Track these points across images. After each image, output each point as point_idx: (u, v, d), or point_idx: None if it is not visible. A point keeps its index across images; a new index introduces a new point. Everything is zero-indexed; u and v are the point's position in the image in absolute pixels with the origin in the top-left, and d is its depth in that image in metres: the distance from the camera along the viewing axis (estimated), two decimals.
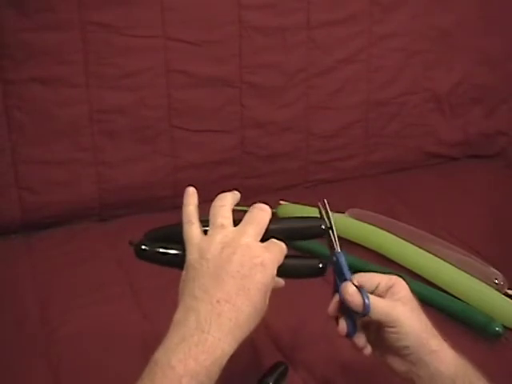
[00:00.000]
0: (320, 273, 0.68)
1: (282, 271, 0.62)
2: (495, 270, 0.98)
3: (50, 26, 1.09)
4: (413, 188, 1.36)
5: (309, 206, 1.19)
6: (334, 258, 0.66)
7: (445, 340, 0.64)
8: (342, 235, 1.11)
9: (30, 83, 1.11)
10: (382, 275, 0.66)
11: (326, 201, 0.68)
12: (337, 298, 0.65)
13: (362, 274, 0.66)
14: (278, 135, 1.31)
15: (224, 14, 1.20)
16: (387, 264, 1.04)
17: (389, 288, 0.65)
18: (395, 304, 0.63)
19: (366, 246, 1.10)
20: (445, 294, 0.96)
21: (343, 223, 1.14)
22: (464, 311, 0.91)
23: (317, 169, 1.37)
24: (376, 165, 1.42)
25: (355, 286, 0.63)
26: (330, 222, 0.68)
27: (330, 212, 0.68)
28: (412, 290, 0.95)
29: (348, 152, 1.39)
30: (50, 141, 1.15)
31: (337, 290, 0.65)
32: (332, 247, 0.67)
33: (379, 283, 0.65)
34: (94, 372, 0.83)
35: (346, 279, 0.64)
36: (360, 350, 0.65)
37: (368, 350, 0.65)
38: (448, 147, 1.48)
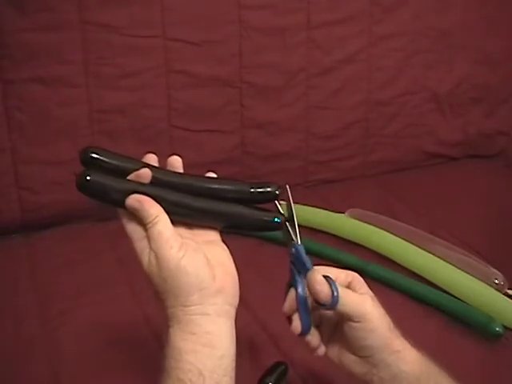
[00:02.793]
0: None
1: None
2: (495, 270, 0.98)
3: (50, 26, 1.09)
4: (413, 188, 1.36)
5: (309, 206, 1.19)
6: (293, 250, 0.63)
7: (407, 340, 0.61)
8: (342, 235, 1.13)
9: (30, 83, 1.11)
10: (340, 270, 0.62)
11: (288, 187, 0.65)
12: (293, 293, 0.62)
13: (320, 267, 0.62)
14: (278, 135, 1.31)
15: (224, 14, 1.20)
16: (387, 264, 1.04)
17: (348, 283, 0.61)
18: (364, 297, 0.60)
19: (366, 245, 1.09)
20: (445, 294, 0.95)
21: (343, 223, 1.14)
22: (464, 311, 0.91)
23: (317, 169, 1.37)
24: (376, 165, 1.42)
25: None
26: (292, 213, 0.64)
27: (291, 200, 0.65)
28: (412, 290, 0.96)
29: (348, 152, 1.39)
30: (50, 141, 1.15)
31: (293, 284, 0.62)
32: (290, 238, 0.63)
33: (337, 277, 0.61)
34: (94, 372, 0.83)
35: (307, 270, 0.60)
36: (314, 349, 0.62)
37: (322, 350, 0.62)
38: (448, 147, 1.48)
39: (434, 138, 1.46)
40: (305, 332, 0.61)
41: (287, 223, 0.64)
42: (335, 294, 0.57)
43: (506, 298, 0.93)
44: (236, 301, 0.59)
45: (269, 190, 0.64)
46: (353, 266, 0.98)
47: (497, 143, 1.53)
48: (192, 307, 0.55)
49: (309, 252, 1.02)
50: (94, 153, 0.61)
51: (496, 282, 0.96)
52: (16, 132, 1.13)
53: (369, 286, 0.63)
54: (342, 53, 1.31)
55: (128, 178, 0.60)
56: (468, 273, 0.98)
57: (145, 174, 0.60)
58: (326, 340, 0.63)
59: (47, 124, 1.14)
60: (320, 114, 1.34)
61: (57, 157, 1.16)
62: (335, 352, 0.63)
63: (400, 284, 0.97)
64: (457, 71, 1.43)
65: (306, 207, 1.19)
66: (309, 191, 1.36)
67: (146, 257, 0.57)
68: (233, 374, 0.55)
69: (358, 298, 0.59)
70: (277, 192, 0.64)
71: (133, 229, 0.58)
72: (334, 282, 0.59)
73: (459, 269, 0.99)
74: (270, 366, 0.80)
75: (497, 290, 0.95)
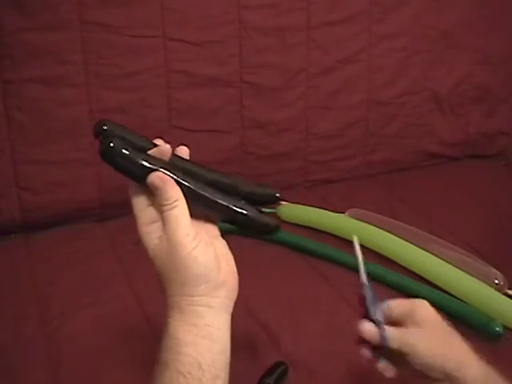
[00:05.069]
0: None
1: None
2: (495, 270, 0.98)
3: (50, 26, 1.09)
4: (413, 188, 1.36)
5: (309, 206, 1.19)
6: (363, 291, 0.66)
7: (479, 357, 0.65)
8: (342, 235, 1.13)
9: (30, 83, 1.11)
10: (409, 300, 0.67)
11: (355, 239, 0.68)
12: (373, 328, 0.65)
13: (393, 301, 0.66)
14: (277, 135, 1.31)
15: (224, 14, 1.20)
16: (387, 264, 1.04)
17: (411, 311, 0.66)
18: (407, 332, 0.64)
19: (366, 245, 1.09)
20: (445, 294, 0.95)
21: (343, 223, 1.14)
22: (464, 311, 0.91)
23: (317, 169, 1.37)
24: (376, 165, 1.42)
25: (372, 321, 0.64)
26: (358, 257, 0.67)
27: (360, 253, 0.68)
28: (412, 290, 0.96)
29: (348, 152, 1.39)
30: (50, 141, 1.15)
31: (372, 319, 0.65)
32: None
33: (403, 308, 0.66)
34: (94, 372, 0.83)
35: (369, 313, 0.65)
36: (383, 372, 0.65)
37: (391, 372, 0.65)
38: (448, 147, 1.48)
39: (434, 137, 1.46)
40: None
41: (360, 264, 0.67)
42: (384, 336, 0.62)
43: (506, 297, 0.93)
44: (235, 295, 0.58)
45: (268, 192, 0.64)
46: (353, 266, 0.99)
47: (497, 143, 1.53)
48: (197, 298, 0.55)
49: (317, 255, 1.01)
50: (105, 125, 0.58)
51: (496, 282, 0.96)
52: (16, 132, 1.13)
53: None
54: (342, 53, 1.31)
55: (149, 152, 0.58)
56: (468, 273, 0.98)
57: (167, 151, 0.58)
58: (399, 364, 0.65)
59: (47, 124, 1.14)
60: (320, 113, 1.34)
61: (57, 157, 1.16)
62: (408, 373, 0.65)
63: (400, 284, 0.96)
64: (457, 71, 1.43)
65: (305, 207, 1.19)
66: (309, 191, 1.36)
67: (152, 240, 0.55)
68: (228, 370, 0.55)
69: (403, 334, 0.63)
70: (277, 195, 0.64)
71: (142, 209, 0.57)
72: (383, 325, 0.63)
73: (459, 269, 0.99)
74: (270, 365, 0.80)
75: (497, 290, 0.95)
